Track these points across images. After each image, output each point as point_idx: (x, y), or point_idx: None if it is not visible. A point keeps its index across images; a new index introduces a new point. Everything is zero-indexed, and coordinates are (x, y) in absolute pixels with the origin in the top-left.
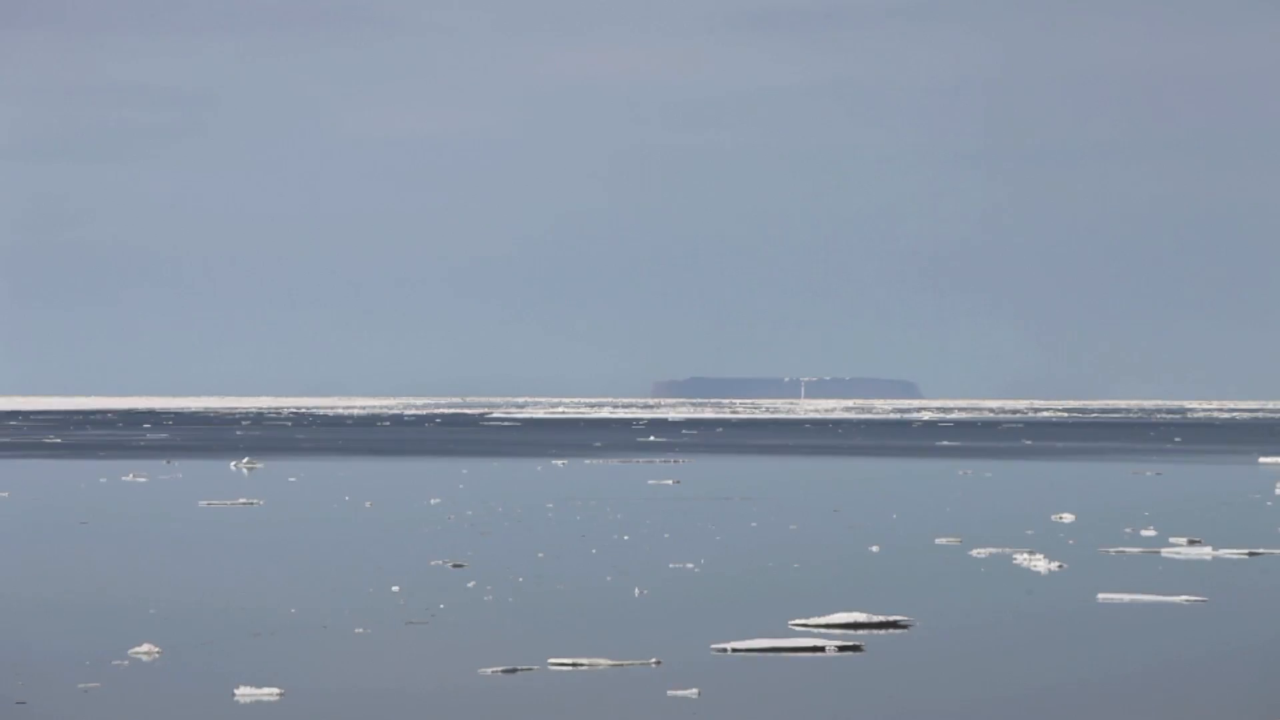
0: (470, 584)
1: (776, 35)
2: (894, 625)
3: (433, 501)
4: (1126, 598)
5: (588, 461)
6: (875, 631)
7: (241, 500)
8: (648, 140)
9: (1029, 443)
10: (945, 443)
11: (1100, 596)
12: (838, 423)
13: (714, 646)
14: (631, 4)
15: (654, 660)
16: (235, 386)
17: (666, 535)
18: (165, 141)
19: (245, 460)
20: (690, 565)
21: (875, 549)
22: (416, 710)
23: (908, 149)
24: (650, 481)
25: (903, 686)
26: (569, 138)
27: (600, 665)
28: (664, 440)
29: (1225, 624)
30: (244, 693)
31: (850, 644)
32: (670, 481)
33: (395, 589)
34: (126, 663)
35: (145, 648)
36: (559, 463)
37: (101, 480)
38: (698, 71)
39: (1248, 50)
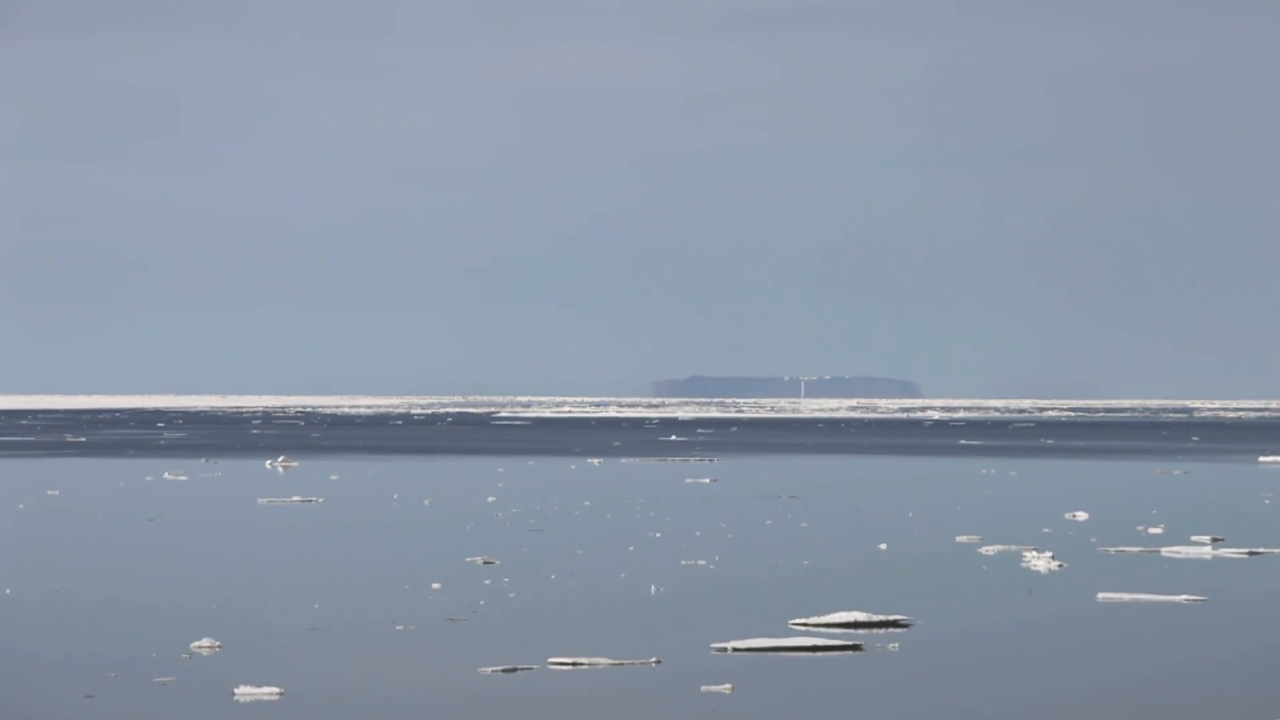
0: (504, 580)
1: (777, 35)
2: (893, 625)
3: (489, 499)
4: (1126, 597)
5: (623, 461)
6: (874, 631)
7: (296, 498)
8: (647, 142)
9: (1049, 442)
10: (965, 441)
11: (1100, 596)
12: (849, 422)
13: (714, 646)
14: (630, 5)
15: (654, 660)
16: (233, 385)
17: (698, 533)
18: (151, 141)
19: (280, 459)
20: (704, 563)
21: (883, 547)
22: (420, 709)
23: (908, 149)
24: (687, 480)
25: (899, 686)
26: (568, 140)
27: (600, 664)
28: (685, 440)
29: (1225, 624)
30: (244, 692)
31: (849, 643)
32: (707, 480)
33: (436, 585)
34: (187, 657)
35: (205, 642)
36: (594, 461)
37: (147, 479)
38: (696, 72)
39: (1248, 50)
